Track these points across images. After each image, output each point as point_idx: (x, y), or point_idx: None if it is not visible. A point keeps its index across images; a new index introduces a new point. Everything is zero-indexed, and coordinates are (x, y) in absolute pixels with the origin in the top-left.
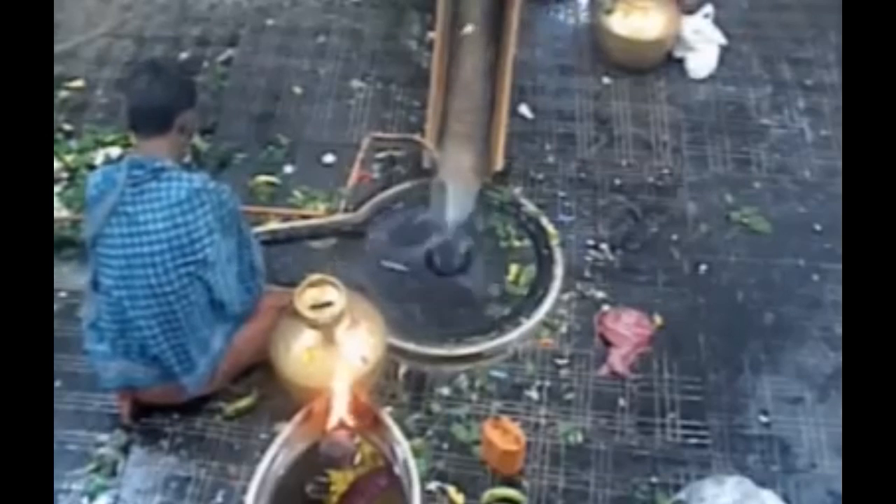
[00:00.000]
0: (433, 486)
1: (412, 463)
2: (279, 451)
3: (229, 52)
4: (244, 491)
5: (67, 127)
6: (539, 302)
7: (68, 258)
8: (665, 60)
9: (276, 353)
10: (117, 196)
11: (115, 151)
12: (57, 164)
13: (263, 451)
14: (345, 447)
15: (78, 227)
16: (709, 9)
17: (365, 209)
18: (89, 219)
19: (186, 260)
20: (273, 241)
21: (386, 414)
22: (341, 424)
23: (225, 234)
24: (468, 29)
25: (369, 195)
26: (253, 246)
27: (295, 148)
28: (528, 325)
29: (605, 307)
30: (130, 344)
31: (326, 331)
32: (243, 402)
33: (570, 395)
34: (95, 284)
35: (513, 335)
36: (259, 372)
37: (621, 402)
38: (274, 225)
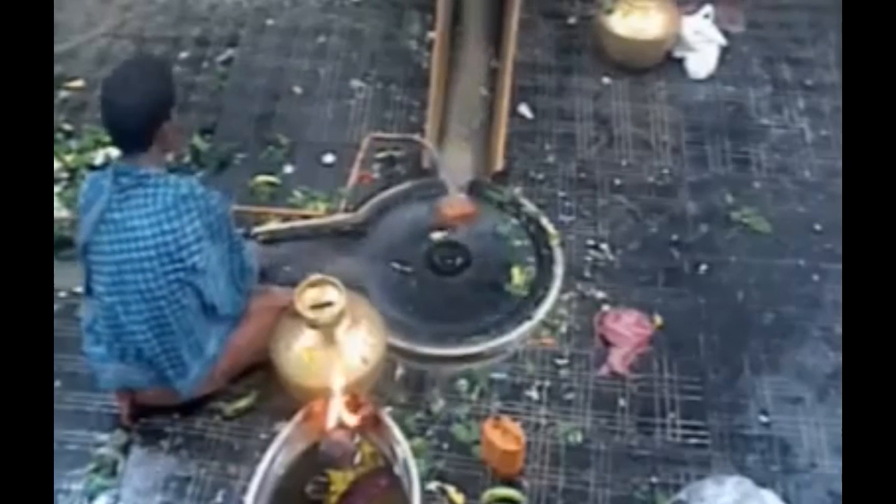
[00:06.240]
0: (433, 486)
1: (412, 463)
2: (279, 451)
3: (229, 52)
4: (244, 491)
5: (67, 127)
6: (539, 302)
7: (68, 258)
8: (665, 60)
9: (276, 353)
10: (105, 203)
11: (114, 151)
12: (57, 164)
13: (263, 451)
14: (345, 447)
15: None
16: (709, 9)
17: (365, 209)
18: (80, 227)
19: (175, 266)
20: (273, 240)
21: (386, 414)
22: (341, 424)
23: (214, 239)
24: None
25: (369, 195)
26: (244, 248)
27: (295, 148)
28: (528, 325)
29: (605, 307)
30: (126, 348)
31: (326, 331)
32: (243, 402)
33: (570, 395)
34: (89, 290)
35: (513, 335)
36: (259, 372)
37: (621, 402)
38: (274, 225)
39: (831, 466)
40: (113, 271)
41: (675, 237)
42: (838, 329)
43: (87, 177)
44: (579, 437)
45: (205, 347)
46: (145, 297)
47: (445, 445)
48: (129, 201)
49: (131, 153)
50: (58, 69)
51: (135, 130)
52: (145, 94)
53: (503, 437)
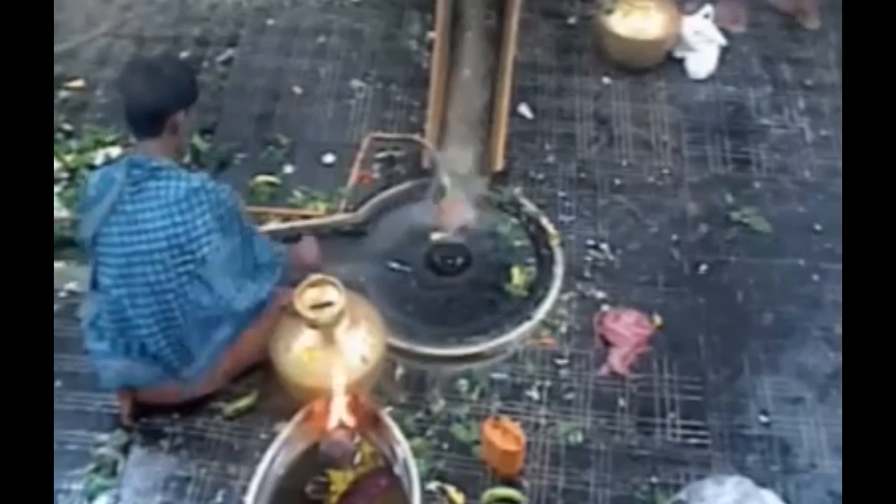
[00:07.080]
0: (433, 486)
1: (412, 463)
2: (279, 451)
3: (229, 52)
4: (244, 491)
5: (67, 127)
6: (539, 302)
7: (68, 258)
8: (665, 60)
9: (276, 352)
10: (116, 195)
11: (115, 151)
12: (57, 164)
13: (263, 451)
14: (345, 447)
15: (78, 227)
16: (709, 9)
17: (365, 209)
18: (88, 219)
19: (185, 259)
20: (273, 241)
21: (386, 414)
22: (341, 424)
23: (225, 233)
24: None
25: (369, 195)
26: (257, 244)
27: (295, 148)
28: (528, 325)
29: (605, 307)
30: (130, 342)
31: (326, 331)
32: (243, 402)
33: (570, 395)
34: (95, 283)
35: (513, 335)
36: (259, 372)
37: (621, 402)
38: (274, 225)
39: (831, 466)
40: (121, 263)
41: (675, 237)
42: (838, 329)
43: (98, 170)
44: (579, 437)
45: (212, 337)
46: (154, 289)
47: (445, 445)
48: (141, 193)
49: (143, 137)
50: (58, 69)
51: (149, 111)
52: (167, 80)
53: (503, 437)
